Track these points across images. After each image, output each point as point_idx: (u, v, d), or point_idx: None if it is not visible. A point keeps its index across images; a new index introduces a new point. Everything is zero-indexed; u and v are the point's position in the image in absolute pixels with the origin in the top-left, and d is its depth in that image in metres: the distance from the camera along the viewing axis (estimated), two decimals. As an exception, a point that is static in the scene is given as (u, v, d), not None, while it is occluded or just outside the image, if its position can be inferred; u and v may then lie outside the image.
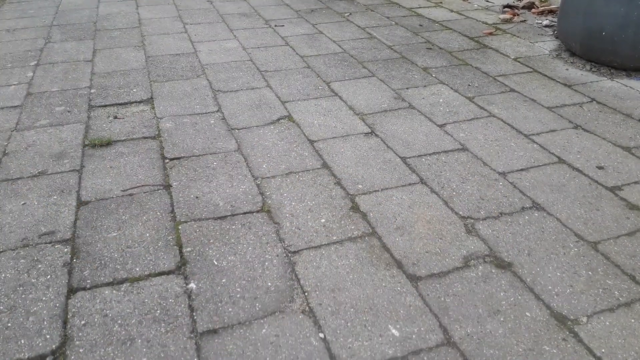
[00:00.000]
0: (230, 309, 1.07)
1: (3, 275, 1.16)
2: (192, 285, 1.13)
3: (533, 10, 3.22)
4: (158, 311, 1.06)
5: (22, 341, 0.99)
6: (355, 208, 1.38)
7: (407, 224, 1.32)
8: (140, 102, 2.00)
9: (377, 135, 1.75)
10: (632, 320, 1.05)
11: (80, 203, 1.40)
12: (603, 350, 0.98)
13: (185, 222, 1.33)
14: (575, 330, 1.03)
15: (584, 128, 1.81)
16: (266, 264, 1.19)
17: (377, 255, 1.22)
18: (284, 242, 1.26)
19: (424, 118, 1.87)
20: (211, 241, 1.26)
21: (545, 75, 2.26)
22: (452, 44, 2.65)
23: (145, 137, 1.74)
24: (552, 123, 1.84)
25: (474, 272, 1.17)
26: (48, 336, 1.01)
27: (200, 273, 1.16)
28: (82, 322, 1.04)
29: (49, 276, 1.15)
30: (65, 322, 1.04)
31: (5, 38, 2.73)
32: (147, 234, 1.28)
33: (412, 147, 1.68)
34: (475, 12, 3.22)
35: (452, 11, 3.24)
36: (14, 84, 2.15)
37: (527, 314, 1.06)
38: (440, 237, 1.28)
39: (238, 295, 1.10)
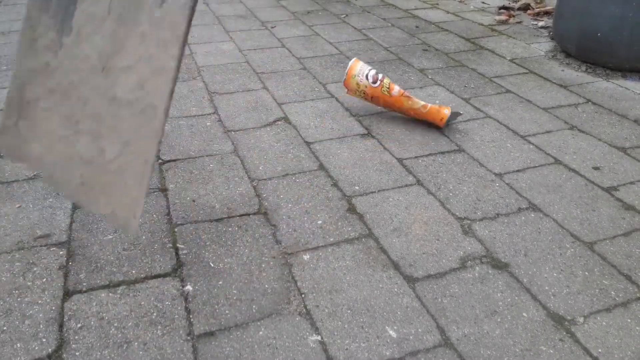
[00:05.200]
0: (227, 311, 1.06)
1: (-2, 278, 1.15)
2: (189, 287, 1.13)
3: (529, 11, 3.23)
4: (154, 314, 1.06)
5: (18, 345, 0.99)
6: (352, 209, 1.38)
7: (403, 226, 1.32)
8: (136, 104, 1.99)
9: (373, 137, 1.75)
10: (629, 320, 1.05)
11: (76, 206, 1.39)
12: (600, 350, 0.99)
13: (182, 224, 1.32)
14: (572, 330, 1.03)
15: (579, 129, 1.82)
16: (263, 265, 1.18)
17: (374, 257, 1.21)
18: (280, 244, 1.26)
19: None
20: (207, 243, 1.26)
21: (541, 76, 2.27)
22: (448, 46, 2.65)
23: (141, 140, 1.73)
24: (548, 124, 1.85)
25: (471, 273, 1.17)
26: (44, 339, 1.00)
27: (196, 275, 1.16)
28: (79, 325, 1.03)
29: (44, 279, 1.15)
30: (61, 326, 1.03)
31: (0, 40, 2.72)
32: (143, 237, 1.28)
33: (408, 149, 1.68)
34: (471, 14, 3.23)
35: (448, 12, 3.25)
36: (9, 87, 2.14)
37: (524, 314, 1.06)
38: (437, 238, 1.28)
39: (235, 298, 1.10)
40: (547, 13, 3.17)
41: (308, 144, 1.71)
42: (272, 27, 2.94)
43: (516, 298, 1.10)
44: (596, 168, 1.58)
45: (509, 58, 2.49)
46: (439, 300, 1.10)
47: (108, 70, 0.85)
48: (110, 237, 1.28)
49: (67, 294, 1.11)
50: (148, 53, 0.81)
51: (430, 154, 1.65)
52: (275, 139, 1.74)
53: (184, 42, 0.77)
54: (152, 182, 1.50)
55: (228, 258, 1.21)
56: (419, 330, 1.03)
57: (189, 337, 1.01)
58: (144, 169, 0.81)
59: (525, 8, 3.28)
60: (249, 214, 1.36)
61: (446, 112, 1.74)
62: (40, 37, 0.91)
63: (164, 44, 0.79)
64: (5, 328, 1.03)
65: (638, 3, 2.08)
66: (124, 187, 0.84)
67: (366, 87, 1.77)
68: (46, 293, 1.11)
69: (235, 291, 1.11)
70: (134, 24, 0.82)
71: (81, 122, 0.88)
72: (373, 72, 1.77)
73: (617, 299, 1.10)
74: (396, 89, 1.77)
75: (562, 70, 2.33)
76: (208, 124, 1.84)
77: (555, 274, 1.17)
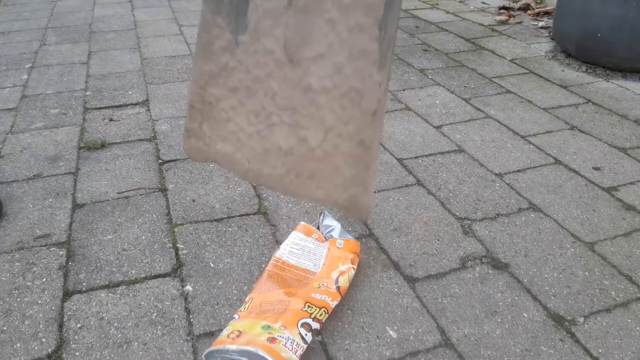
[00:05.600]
0: (227, 312, 1.06)
1: (-2, 278, 1.15)
2: (189, 287, 1.12)
3: (529, 11, 3.23)
4: (154, 314, 1.06)
5: (18, 345, 0.99)
6: (352, 210, 1.38)
7: (404, 226, 1.32)
8: (135, 104, 1.99)
9: (373, 137, 1.75)
10: (629, 321, 1.05)
11: (76, 206, 1.39)
12: (600, 350, 0.98)
13: (182, 224, 1.32)
14: (572, 330, 1.03)
15: (580, 129, 1.82)
16: (263, 265, 1.18)
17: (374, 257, 1.21)
18: (281, 244, 1.25)
19: (420, 119, 1.88)
20: (207, 243, 1.25)
21: (541, 77, 2.27)
22: (449, 46, 2.65)
23: (140, 140, 1.73)
24: (548, 124, 1.85)
25: (471, 274, 1.17)
26: (44, 340, 1.00)
27: (196, 275, 1.16)
28: (78, 325, 1.03)
29: (44, 279, 1.14)
30: (61, 326, 1.03)
31: (0, 40, 2.72)
32: (143, 237, 1.28)
33: (408, 149, 1.68)
34: (471, 14, 3.23)
35: (448, 13, 3.25)
36: (9, 87, 2.14)
37: (525, 314, 1.06)
38: (438, 238, 1.28)
39: (235, 298, 1.10)
40: (547, 13, 3.18)
41: (308, 144, 1.70)
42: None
43: (516, 298, 1.10)
44: (596, 168, 1.58)
45: (509, 58, 2.49)
46: (439, 300, 1.10)
47: (297, 62, 0.80)
48: (110, 237, 1.28)
49: (67, 294, 1.11)
50: (340, 39, 0.76)
51: (430, 154, 1.65)
52: (275, 139, 1.73)
53: (382, 24, 0.73)
54: (152, 182, 1.50)
55: (228, 258, 1.21)
56: (419, 330, 1.02)
57: (188, 337, 1.01)
58: (360, 151, 0.77)
59: (526, 8, 3.28)
60: (249, 214, 1.36)
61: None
62: (216, 40, 0.86)
63: (359, 28, 0.74)
64: (5, 328, 1.02)
65: (638, 3, 2.08)
66: (334, 170, 0.81)
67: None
68: (46, 293, 1.11)
69: (235, 291, 1.11)
70: (319, 12, 0.78)
71: (274, 115, 0.84)
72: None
73: (617, 299, 1.10)
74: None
75: (563, 71, 2.33)
76: (208, 124, 1.84)
77: (555, 274, 1.17)
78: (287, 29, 0.80)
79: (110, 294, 1.11)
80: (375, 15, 0.72)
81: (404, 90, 2.12)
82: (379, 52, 0.74)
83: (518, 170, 1.56)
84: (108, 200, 1.42)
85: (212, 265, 1.19)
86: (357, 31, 0.74)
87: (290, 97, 0.82)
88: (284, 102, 0.83)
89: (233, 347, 0.88)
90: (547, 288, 1.13)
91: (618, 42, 2.18)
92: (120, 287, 1.12)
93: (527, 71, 2.33)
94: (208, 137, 0.90)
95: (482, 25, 3.01)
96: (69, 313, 1.06)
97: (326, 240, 1.18)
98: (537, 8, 3.26)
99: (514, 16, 3.13)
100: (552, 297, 1.11)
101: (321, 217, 1.24)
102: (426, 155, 1.64)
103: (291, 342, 0.91)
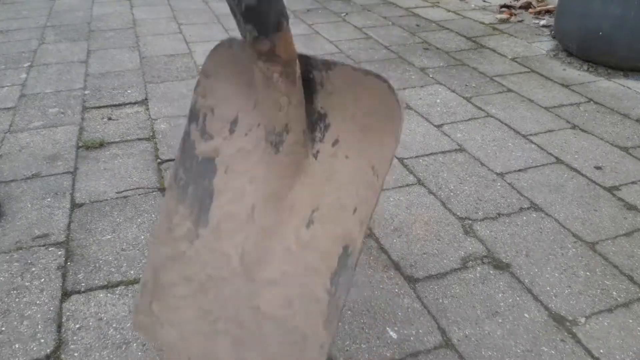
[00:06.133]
0: (226, 312, 1.06)
1: (-4, 278, 1.14)
2: (188, 288, 1.12)
3: (530, 10, 3.22)
4: (153, 314, 1.05)
5: (17, 346, 0.98)
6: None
7: (404, 226, 1.32)
8: (134, 103, 1.99)
9: (374, 136, 1.74)
10: (630, 321, 1.04)
11: (74, 205, 1.39)
12: (601, 350, 0.98)
13: (181, 224, 1.32)
14: (574, 331, 1.02)
15: (581, 128, 1.81)
16: (263, 266, 1.18)
17: (374, 257, 1.21)
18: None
19: (421, 119, 1.87)
20: (207, 243, 1.25)
21: (543, 75, 2.26)
22: (450, 44, 2.64)
23: (139, 139, 1.72)
24: (549, 123, 1.84)
25: (472, 274, 1.16)
26: (42, 340, 0.99)
27: (196, 276, 1.15)
28: (77, 325, 1.03)
29: (43, 279, 1.14)
30: (59, 326, 1.03)
31: (-1, 39, 2.71)
32: (142, 237, 1.27)
33: (409, 148, 1.67)
34: (473, 12, 3.22)
35: (449, 11, 3.24)
36: (7, 86, 2.14)
37: (526, 315, 1.06)
38: (438, 238, 1.27)
39: (234, 298, 1.09)
40: (548, 11, 3.16)
41: (308, 143, 1.70)
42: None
43: (517, 298, 1.10)
44: (598, 167, 1.57)
45: (510, 57, 2.48)
46: (440, 300, 1.09)
47: (252, 278, 0.79)
48: (109, 237, 1.27)
49: (66, 295, 1.10)
50: (295, 272, 0.75)
51: (431, 154, 1.64)
52: (275, 138, 1.73)
53: (334, 279, 0.71)
54: (151, 181, 1.49)
55: (227, 258, 1.20)
56: (420, 331, 1.02)
57: (188, 338, 1.00)
58: None
59: (527, 6, 3.27)
60: (248, 214, 1.35)
61: None
62: (176, 227, 0.87)
63: (313, 270, 0.73)
64: (3, 329, 1.02)
65: (639, 2, 2.07)
66: None
67: None
68: (44, 293, 1.10)
69: (234, 291, 1.11)
70: (279, 237, 0.78)
71: (220, 321, 0.82)
72: None
73: (618, 299, 1.10)
74: None
75: (564, 70, 2.33)
76: (208, 123, 1.83)
77: (556, 274, 1.16)
78: (247, 241, 0.80)
79: (109, 294, 1.10)
80: (328, 264, 0.71)
81: (404, 89, 2.11)
82: (327, 305, 0.71)
83: (519, 170, 1.56)
84: (107, 199, 1.41)
85: (211, 265, 1.18)
86: (311, 272, 0.73)
87: (238, 311, 0.80)
88: (232, 313, 0.81)
89: None
90: (548, 288, 1.13)
91: (619, 40, 2.17)
92: (119, 288, 1.12)
93: (529, 70, 2.32)
94: (156, 317, 0.88)
95: (483, 23, 3.00)
96: (68, 313, 1.05)
97: None
98: (538, 6, 3.25)
99: (515, 14, 3.12)
100: (554, 297, 1.10)
101: None
102: (427, 155, 1.64)
103: None
